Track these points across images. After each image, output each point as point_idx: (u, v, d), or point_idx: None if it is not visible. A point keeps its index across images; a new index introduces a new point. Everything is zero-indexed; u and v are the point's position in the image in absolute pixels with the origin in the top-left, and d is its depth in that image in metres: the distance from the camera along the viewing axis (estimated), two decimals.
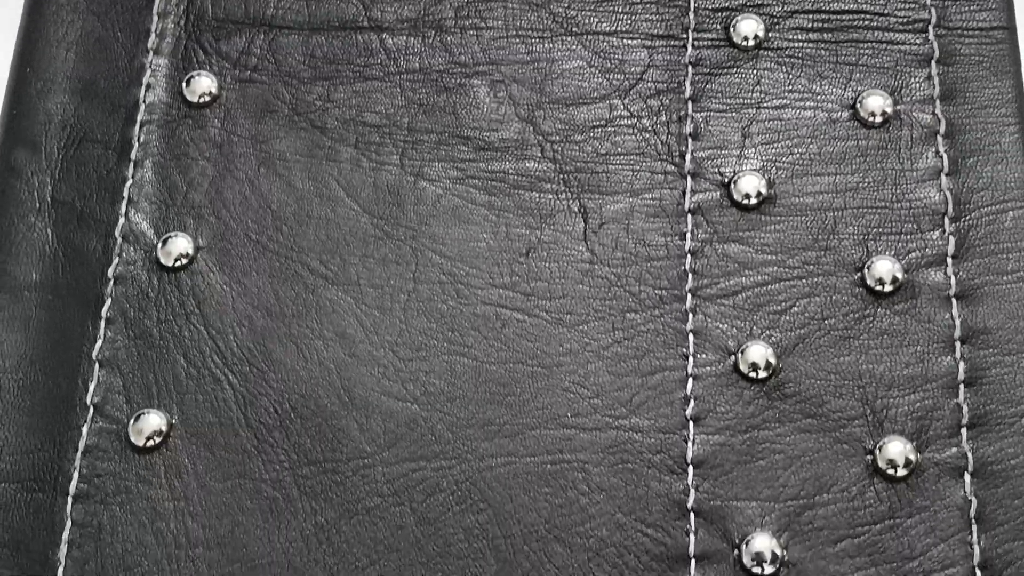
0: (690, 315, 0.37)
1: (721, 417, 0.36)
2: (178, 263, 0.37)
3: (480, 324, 0.37)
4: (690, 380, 0.36)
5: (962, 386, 0.36)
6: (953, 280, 0.37)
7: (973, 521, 0.34)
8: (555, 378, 0.36)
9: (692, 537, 0.34)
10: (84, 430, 0.35)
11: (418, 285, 0.37)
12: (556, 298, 0.37)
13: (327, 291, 0.37)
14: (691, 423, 0.35)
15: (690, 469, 0.35)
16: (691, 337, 0.36)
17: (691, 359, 0.36)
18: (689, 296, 0.37)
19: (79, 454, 0.34)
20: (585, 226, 0.38)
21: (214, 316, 0.36)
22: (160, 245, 0.37)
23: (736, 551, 0.34)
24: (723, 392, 0.36)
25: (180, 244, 0.37)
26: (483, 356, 0.36)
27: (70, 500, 0.34)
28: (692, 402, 0.36)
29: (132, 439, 0.35)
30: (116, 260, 0.37)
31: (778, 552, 0.34)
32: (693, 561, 0.34)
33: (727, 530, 0.34)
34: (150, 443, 0.35)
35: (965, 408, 0.35)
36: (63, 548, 0.33)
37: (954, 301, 0.37)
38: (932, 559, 0.34)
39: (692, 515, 0.34)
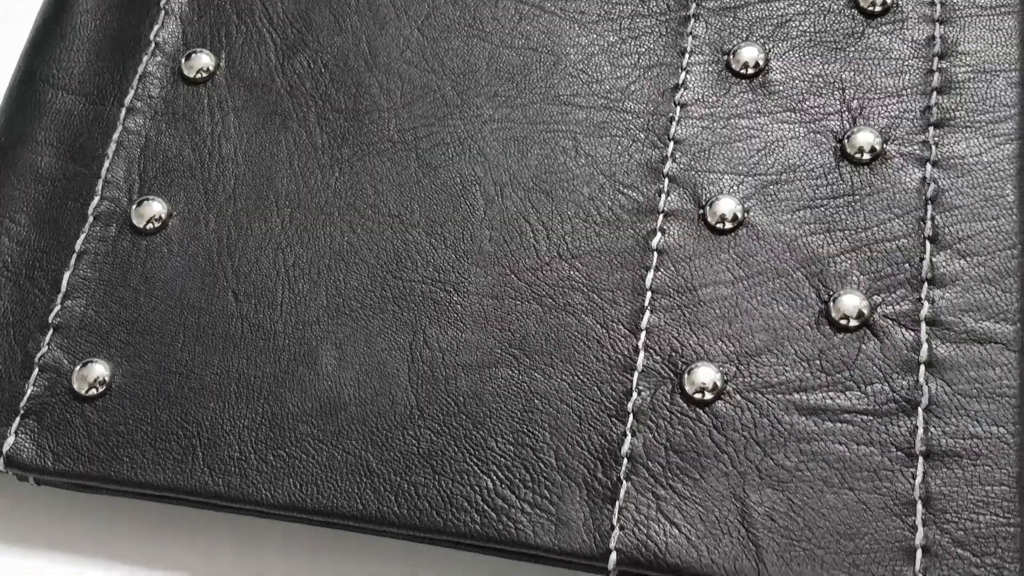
0: (692, 21, 0.40)
1: (707, 104, 0.39)
2: None
3: (500, 14, 0.41)
4: (683, 72, 0.39)
5: (935, 92, 0.38)
6: (939, 8, 0.39)
7: (929, 201, 0.36)
8: (561, 64, 0.40)
9: (663, 196, 0.37)
10: (144, 59, 0.40)
11: None
12: (572, 0, 0.41)
13: None
14: (678, 107, 0.39)
15: (671, 143, 0.38)
16: (690, 39, 0.40)
17: (687, 56, 0.40)
18: (693, 5, 0.40)
19: (137, 78, 0.40)
20: None
21: None
22: None
23: (701, 211, 0.37)
24: (713, 85, 0.39)
25: None
26: (499, 41, 0.40)
27: (124, 111, 0.39)
28: (682, 90, 0.39)
29: (184, 72, 0.40)
30: None
31: (739, 214, 0.37)
32: (661, 216, 0.37)
33: (697, 195, 0.37)
34: (198, 76, 0.40)
35: (935, 110, 0.38)
36: (112, 147, 0.39)
37: (938, 24, 0.39)
38: (884, 230, 0.36)
39: (667, 180, 0.38)
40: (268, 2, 0.41)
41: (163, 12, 0.41)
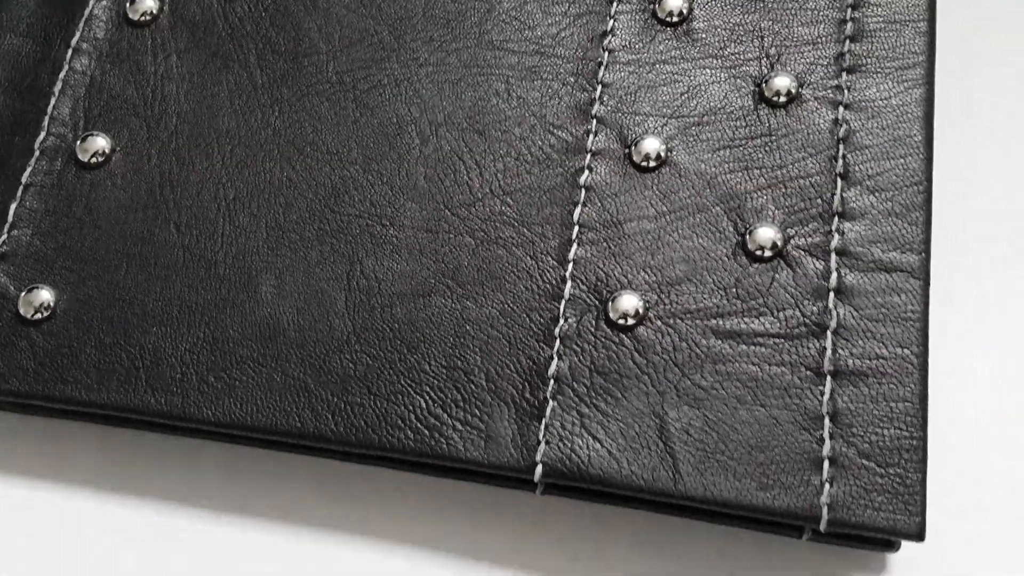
0: None
1: (634, 51, 0.41)
2: None
3: None
4: (611, 20, 0.41)
5: (848, 40, 0.40)
6: None
7: (841, 141, 0.38)
8: (494, 12, 0.42)
9: (591, 137, 0.39)
10: (91, 3, 0.42)
11: None
12: None
13: None
14: (606, 53, 0.41)
15: (599, 87, 0.40)
16: None
17: (615, 4, 0.41)
18: None
19: (83, 21, 0.41)
20: None
21: None
22: None
23: (627, 150, 0.39)
24: (639, 33, 0.41)
25: None
26: None
27: (70, 52, 0.41)
28: (610, 37, 0.41)
29: (129, 15, 0.41)
30: None
31: (663, 153, 0.39)
32: (589, 155, 0.39)
33: (623, 135, 0.39)
34: (143, 19, 0.41)
35: (848, 56, 0.40)
36: (58, 85, 0.40)
37: None
38: (799, 168, 0.38)
39: (594, 121, 0.39)
40: None
41: None
